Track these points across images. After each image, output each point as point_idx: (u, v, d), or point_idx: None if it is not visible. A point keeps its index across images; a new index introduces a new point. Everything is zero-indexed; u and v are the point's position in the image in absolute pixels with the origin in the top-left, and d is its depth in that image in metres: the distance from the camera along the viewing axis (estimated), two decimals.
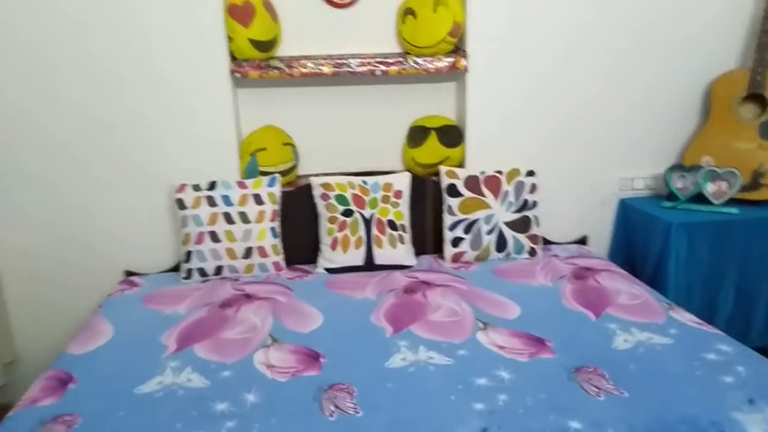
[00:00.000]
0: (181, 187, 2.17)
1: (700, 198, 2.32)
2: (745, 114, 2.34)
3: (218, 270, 2.16)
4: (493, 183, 2.28)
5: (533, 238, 2.31)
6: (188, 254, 2.15)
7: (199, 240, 2.13)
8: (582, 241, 2.53)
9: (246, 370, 1.56)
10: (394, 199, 2.23)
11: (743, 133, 2.32)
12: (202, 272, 2.16)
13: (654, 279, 2.25)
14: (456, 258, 2.28)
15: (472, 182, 2.27)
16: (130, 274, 2.29)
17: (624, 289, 1.98)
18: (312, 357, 1.61)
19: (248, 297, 2.00)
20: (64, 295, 2.30)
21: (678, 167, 2.38)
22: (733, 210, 2.25)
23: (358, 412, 1.36)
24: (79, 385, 1.51)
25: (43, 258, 2.27)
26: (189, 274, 2.16)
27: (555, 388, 1.43)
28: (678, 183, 2.37)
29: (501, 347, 1.63)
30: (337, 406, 1.38)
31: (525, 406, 1.36)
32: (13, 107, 2.11)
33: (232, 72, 2.17)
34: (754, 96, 2.30)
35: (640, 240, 2.39)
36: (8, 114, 2.12)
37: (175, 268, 2.29)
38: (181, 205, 2.15)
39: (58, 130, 2.16)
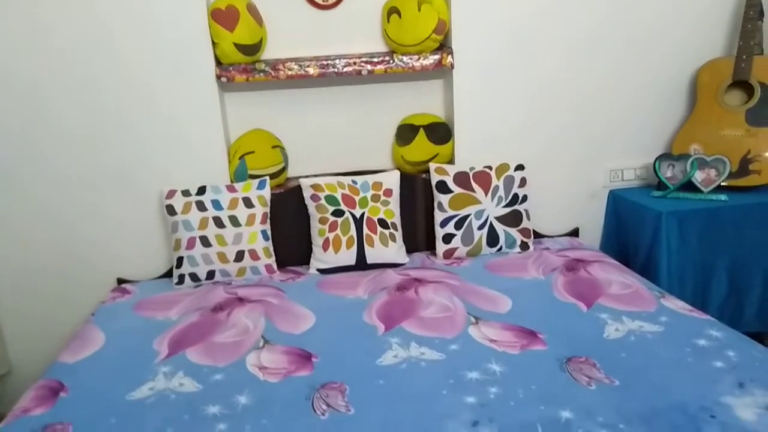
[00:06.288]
0: (171, 193, 2.17)
1: (689, 186, 2.32)
2: (731, 101, 2.34)
3: (210, 274, 2.16)
4: (483, 178, 2.28)
5: (524, 232, 2.31)
6: (180, 260, 2.14)
7: (190, 245, 2.13)
8: (574, 233, 2.54)
9: (238, 372, 1.56)
10: (384, 198, 2.23)
11: (730, 120, 2.33)
12: (194, 277, 2.15)
13: (646, 268, 2.26)
14: (448, 254, 2.28)
15: (461, 178, 2.27)
16: (121, 281, 2.29)
17: (615, 279, 1.98)
18: (304, 357, 1.61)
19: (240, 300, 2.00)
20: (57, 306, 2.30)
21: (666, 156, 2.39)
22: (723, 197, 2.25)
23: (350, 410, 1.36)
24: (70, 394, 1.51)
25: (35, 269, 2.27)
26: (181, 279, 2.16)
27: (546, 379, 1.43)
28: (667, 172, 2.38)
29: (493, 341, 1.63)
30: (329, 405, 1.38)
31: (516, 398, 1.36)
32: None
33: (218, 77, 2.17)
34: (739, 83, 2.31)
35: (632, 230, 2.39)
36: None
37: (168, 274, 2.29)
38: (171, 211, 2.15)
39: (45, 139, 2.15)
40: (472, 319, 1.77)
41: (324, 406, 1.38)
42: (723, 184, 2.29)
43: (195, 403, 1.43)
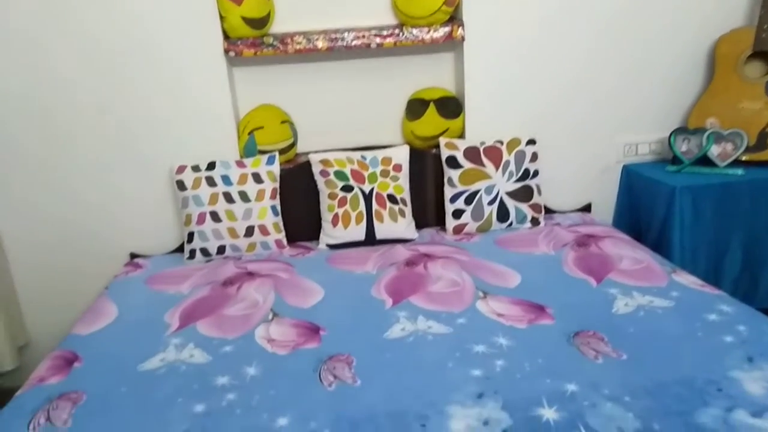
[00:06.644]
0: (181, 169, 2.18)
1: (705, 161, 2.28)
2: (751, 73, 2.28)
3: (221, 249, 2.18)
4: (494, 153, 2.25)
5: (535, 207, 2.29)
6: (191, 235, 2.16)
7: (201, 220, 2.14)
8: (586, 208, 2.51)
9: (247, 344, 1.58)
10: (393, 173, 2.22)
11: (749, 93, 2.27)
12: (205, 252, 2.17)
13: (659, 244, 2.23)
14: (458, 230, 2.27)
15: (471, 153, 2.25)
16: (134, 256, 2.32)
17: (627, 254, 1.96)
18: (312, 330, 1.62)
19: (250, 275, 2.01)
20: (72, 280, 2.34)
21: (682, 130, 2.34)
22: (739, 171, 2.21)
23: (356, 382, 1.37)
24: (84, 364, 1.54)
25: (50, 244, 2.31)
26: (192, 254, 2.18)
27: (553, 353, 1.43)
28: (682, 146, 2.33)
29: (500, 315, 1.63)
30: (335, 376, 1.40)
31: (522, 371, 1.36)
32: (9, 98, 2.13)
33: (226, 51, 2.16)
34: (759, 54, 2.24)
35: (645, 205, 2.36)
36: (6, 104, 2.14)
37: (180, 249, 2.31)
38: (181, 186, 2.16)
39: (57, 117, 2.17)
40: (480, 294, 1.76)
41: (331, 378, 1.39)
42: (742, 158, 2.24)
43: (205, 374, 1.45)
